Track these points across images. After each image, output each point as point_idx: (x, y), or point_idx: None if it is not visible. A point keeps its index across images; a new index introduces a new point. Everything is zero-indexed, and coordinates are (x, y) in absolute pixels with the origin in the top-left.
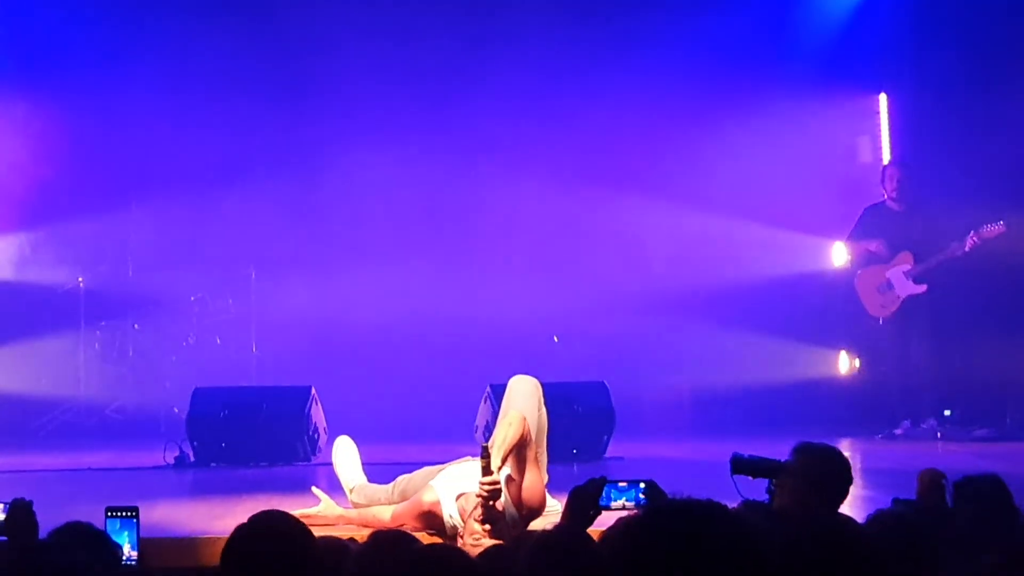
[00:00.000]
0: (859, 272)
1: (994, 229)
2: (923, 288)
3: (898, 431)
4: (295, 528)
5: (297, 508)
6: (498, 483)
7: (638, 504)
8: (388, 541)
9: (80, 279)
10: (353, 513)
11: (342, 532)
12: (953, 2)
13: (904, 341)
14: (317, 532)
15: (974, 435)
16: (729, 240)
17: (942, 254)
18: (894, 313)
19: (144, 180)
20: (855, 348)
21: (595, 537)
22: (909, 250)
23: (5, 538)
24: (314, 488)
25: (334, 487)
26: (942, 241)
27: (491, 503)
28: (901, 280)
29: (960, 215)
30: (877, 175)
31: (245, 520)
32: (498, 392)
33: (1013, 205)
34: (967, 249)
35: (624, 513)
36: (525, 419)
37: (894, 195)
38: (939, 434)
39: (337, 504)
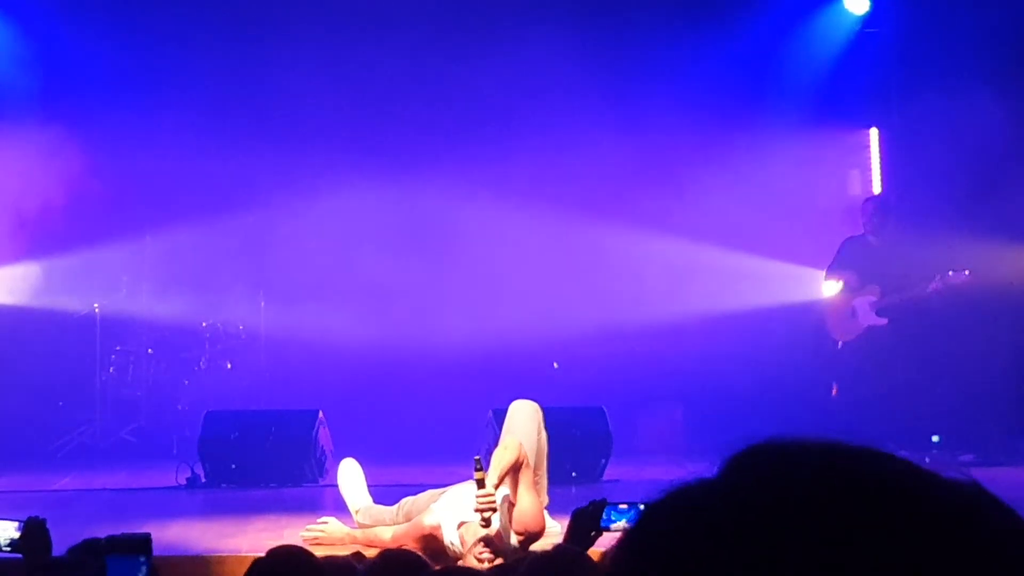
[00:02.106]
0: (833, 301)
1: (959, 277)
2: (884, 321)
3: None
4: (309, 563)
5: (304, 529)
6: (492, 496)
7: None
8: (397, 561)
9: (96, 305)
10: (359, 533)
11: (348, 551)
12: (941, 39)
13: (862, 367)
14: (324, 551)
15: (960, 460)
16: (723, 269)
17: (907, 291)
18: (855, 340)
19: (158, 208)
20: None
21: (595, 558)
22: (879, 283)
23: (20, 556)
24: (321, 519)
25: (341, 508)
26: (913, 276)
27: (492, 541)
28: (865, 310)
29: (937, 251)
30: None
31: (254, 539)
32: (500, 417)
33: (995, 234)
34: (930, 292)
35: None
36: (521, 445)
37: (869, 228)
38: (927, 459)
39: (344, 524)
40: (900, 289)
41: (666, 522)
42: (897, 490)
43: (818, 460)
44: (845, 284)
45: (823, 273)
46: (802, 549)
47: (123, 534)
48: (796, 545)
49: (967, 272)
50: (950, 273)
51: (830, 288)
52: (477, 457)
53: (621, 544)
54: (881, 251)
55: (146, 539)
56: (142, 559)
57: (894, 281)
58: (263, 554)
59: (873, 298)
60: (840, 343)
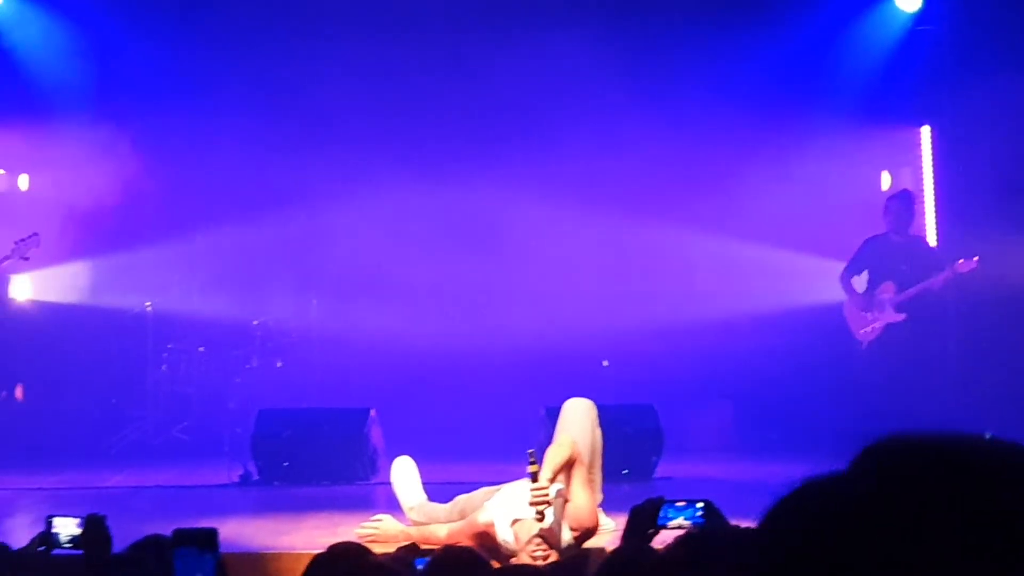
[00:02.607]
0: (846, 299)
1: (968, 264)
2: (902, 317)
3: None
4: (368, 558)
5: (358, 526)
6: (546, 489)
7: (695, 523)
8: (456, 558)
9: (148, 303)
10: (413, 530)
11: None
12: (994, 36)
13: (889, 364)
14: (379, 548)
15: None
16: (773, 267)
17: (921, 285)
18: (877, 338)
19: (209, 207)
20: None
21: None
22: (895, 279)
23: (80, 552)
24: (375, 517)
25: (393, 506)
26: (928, 269)
27: (546, 537)
28: (883, 307)
29: (956, 246)
30: (915, 207)
31: (307, 536)
32: (552, 414)
33: None
34: (940, 283)
35: (680, 532)
36: (575, 442)
37: (892, 226)
38: None
39: (399, 522)
40: (914, 283)
41: (798, 518)
42: None
43: (948, 454)
44: (852, 285)
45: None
46: (938, 544)
47: (189, 528)
48: (932, 540)
49: (976, 258)
50: (960, 262)
51: (850, 286)
52: (531, 451)
53: (753, 539)
54: (902, 248)
55: (212, 533)
56: (209, 554)
57: (910, 278)
58: (320, 551)
59: (889, 295)
60: (864, 344)
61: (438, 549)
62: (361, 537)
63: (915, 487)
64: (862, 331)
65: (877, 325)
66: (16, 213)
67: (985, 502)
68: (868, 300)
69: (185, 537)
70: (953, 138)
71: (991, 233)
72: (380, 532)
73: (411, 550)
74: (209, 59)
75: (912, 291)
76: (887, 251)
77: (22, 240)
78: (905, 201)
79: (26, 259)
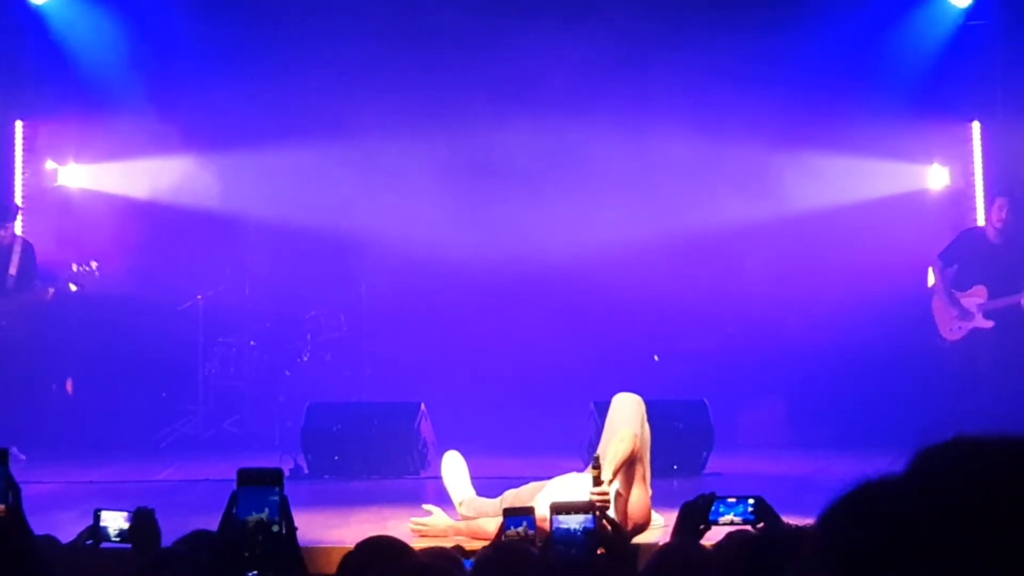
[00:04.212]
0: (937, 294)
1: None
2: (990, 324)
3: None
4: (404, 552)
5: (408, 520)
6: (607, 494)
7: (746, 519)
8: (509, 552)
9: (199, 296)
10: (462, 525)
11: (451, 542)
12: None
13: (969, 364)
14: (427, 543)
15: None
16: (825, 263)
17: (1011, 298)
18: (962, 339)
19: (259, 201)
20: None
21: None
22: (987, 283)
23: (129, 545)
24: (425, 506)
25: (443, 500)
26: (1018, 282)
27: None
28: (972, 311)
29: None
30: (965, 203)
31: (357, 530)
32: (601, 409)
33: None
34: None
35: (732, 528)
36: (636, 436)
37: (999, 225)
38: None
39: (448, 516)
40: (1004, 292)
41: (855, 519)
42: None
43: (1005, 457)
44: (941, 276)
45: (926, 267)
46: (995, 547)
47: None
48: (988, 543)
49: None
50: None
51: (931, 276)
52: (597, 455)
53: (809, 539)
54: (999, 250)
55: (278, 471)
56: (275, 490)
57: (1003, 282)
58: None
59: (980, 299)
60: (948, 341)
61: (486, 547)
62: (413, 531)
63: (970, 489)
64: (949, 330)
65: (965, 326)
66: (66, 205)
67: None
68: (959, 302)
69: (250, 476)
70: (1003, 134)
71: None
72: (430, 526)
73: (459, 551)
74: (265, 58)
75: (1002, 302)
76: (983, 249)
77: (81, 268)
78: (1015, 203)
79: (81, 286)
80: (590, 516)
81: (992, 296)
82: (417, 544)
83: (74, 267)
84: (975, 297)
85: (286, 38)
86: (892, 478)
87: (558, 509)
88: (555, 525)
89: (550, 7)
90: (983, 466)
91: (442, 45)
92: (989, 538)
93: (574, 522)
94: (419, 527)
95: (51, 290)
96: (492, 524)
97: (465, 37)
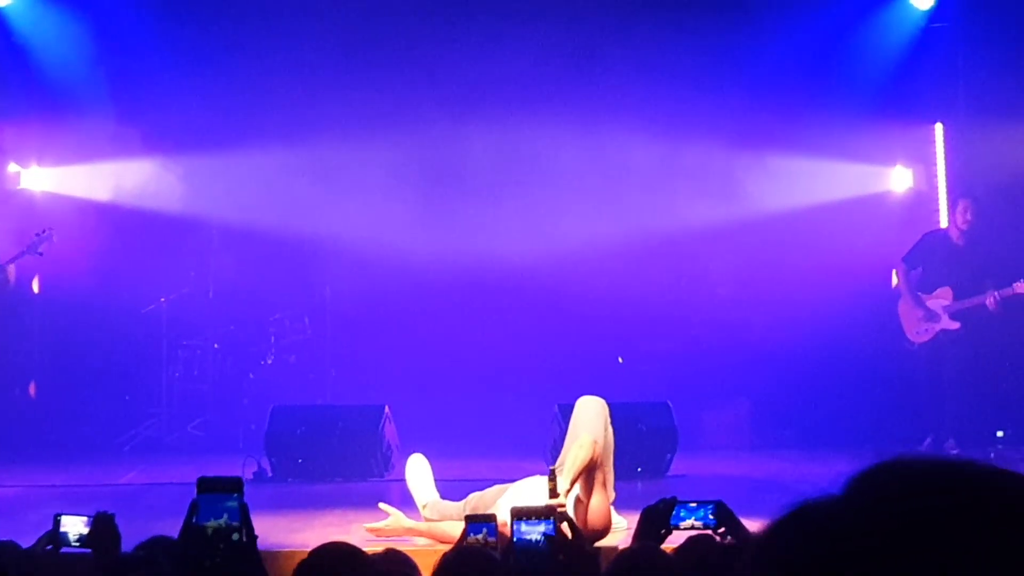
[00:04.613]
0: (903, 297)
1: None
2: (956, 325)
3: (919, 449)
4: (358, 559)
5: (369, 523)
6: (564, 506)
7: (707, 524)
8: (473, 555)
9: (163, 299)
10: (423, 526)
11: (411, 548)
12: (1007, 33)
13: (937, 366)
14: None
15: None
16: (787, 265)
17: (977, 298)
18: (929, 341)
19: (223, 204)
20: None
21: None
22: (952, 284)
23: (89, 551)
24: (381, 504)
25: (407, 503)
26: (984, 283)
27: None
28: (938, 312)
29: (1015, 254)
30: (927, 204)
31: (321, 533)
32: (565, 411)
33: None
34: (995, 301)
35: (693, 533)
36: (596, 442)
37: (964, 227)
38: (992, 454)
39: (408, 518)
40: (969, 293)
41: (793, 541)
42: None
43: (943, 481)
44: (906, 279)
45: (899, 266)
46: (928, 570)
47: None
48: (922, 566)
49: None
50: (1019, 283)
51: (895, 279)
52: (553, 468)
53: (749, 562)
54: (963, 252)
55: (238, 479)
56: (235, 497)
57: (967, 284)
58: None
59: (946, 301)
60: (915, 344)
61: (448, 552)
62: (370, 531)
63: (907, 513)
64: (915, 332)
65: (932, 328)
66: (29, 208)
67: (977, 529)
68: (925, 304)
69: (209, 484)
70: (966, 135)
71: (1002, 231)
72: (387, 529)
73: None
74: (228, 62)
75: (967, 303)
76: (946, 251)
77: (37, 235)
78: (977, 204)
79: (40, 254)
80: (550, 521)
81: (957, 297)
82: (375, 546)
83: (30, 240)
84: (940, 299)
85: (248, 42)
86: (831, 499)
87: (519, 514)
88: (516, 534)
89: (507, 10)
90: (919, 490)
91: (401, 50)
92: (921, 563)
93: (535, 532)
94: (376, 528)
95: (11, 268)
96: (453, 528)
97: (423, 42)
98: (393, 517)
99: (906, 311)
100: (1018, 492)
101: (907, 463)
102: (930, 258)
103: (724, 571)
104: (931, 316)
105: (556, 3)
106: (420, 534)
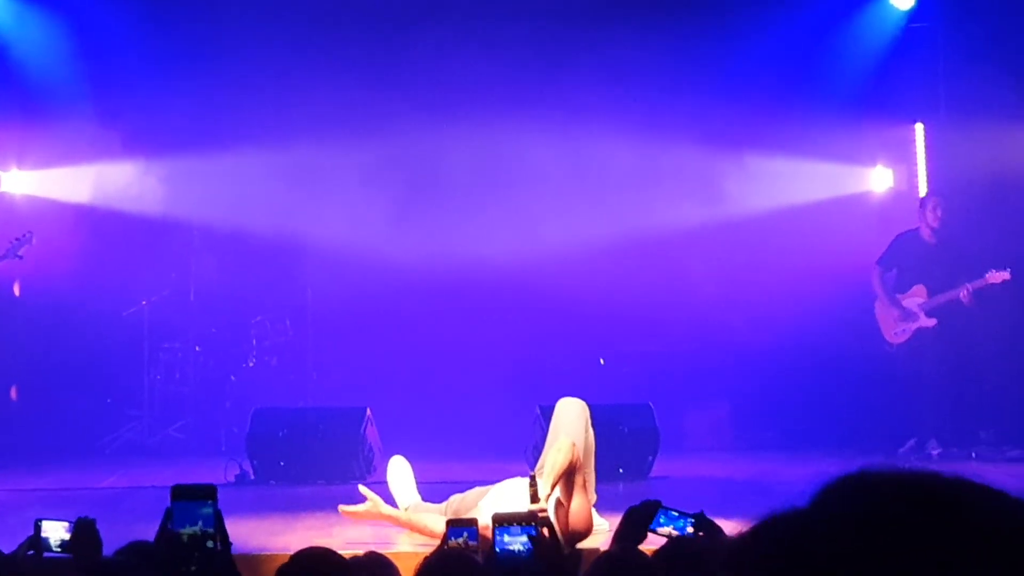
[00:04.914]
0: (879, 299)
1: (999, 275)
2: (933, 322)
3: (901, 450)
4: (337, 564)
5: (347, 508)
6: (546, 511)
7: (682, 535)
8: (454, 559)
9: (144, 302)
10: (402, 515)
11: (393, 551)
12: (988, 33)
13: (917, 366)
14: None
15: (1008, 456)
16: (768, 267)
17: (951, 292)
18: (907, 341)
19: (205, 206)
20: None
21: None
22: (926, 282)
23: (70, 555)
24: (361, 487)
25: (389, 505)
26: (959, 277)
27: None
28: (914, 311)
29: (990, 250)
30: (908, 204)
31: (303, 536)
32: (547, 413)
33: None
34: (968, 293)
35: (668, 539)
36: (575, 445)
37: (935, 225)
38: (973, 455)
39: (385, 505)
40: (944, 290)
41: (758, 557)
42: (991, 524)
43: (909, 493)
44: (881, 282)
45: (873, 269)
46: None
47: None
48: None
49: (1008, 270)
50: (991, 272)
51: (883, 284)
52: (533, 474)
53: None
54: (935, 250)
55: (211, 487)
56: (208, 503)
57: (942, 281)
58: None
59: (920, 299)
60: (894, 345)
61: (430, 555)
62: (345, 514)
63: (869, 527)
64: (893, 333)
65: (909, 327)
66: (9, 212)
67: (938, 542)
68: (900, 304)
69: (184, 491)
70: (946, 135)
71: (983, 230)
72: (365, 512)
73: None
74: (206, 61)
75: (942, 297)
76: (919, 250)
77: (17, 239)
78: (945, 202)
79: (20, 258)
80: (532, 529)
81: (932, 294)
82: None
83: (9, 243)
84: (915, 297)
85: (227, 44)
86: (795, 513)
87: (500, 520)
88: (498, 544)
89: (486, 12)
90: (881, 505)
91: (380, 53)
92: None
93: (516, 542)
94: (352, 513)
95: None
96: (432, 521)
97: (403, 44)
98: (371, 502)
99: (883, 313)
100: (977, 506)
101: (871, 476)
102: (904, 258)
103: (705, 574)
104: (907, 315)
105: (537, 5)
106: (398, 522)
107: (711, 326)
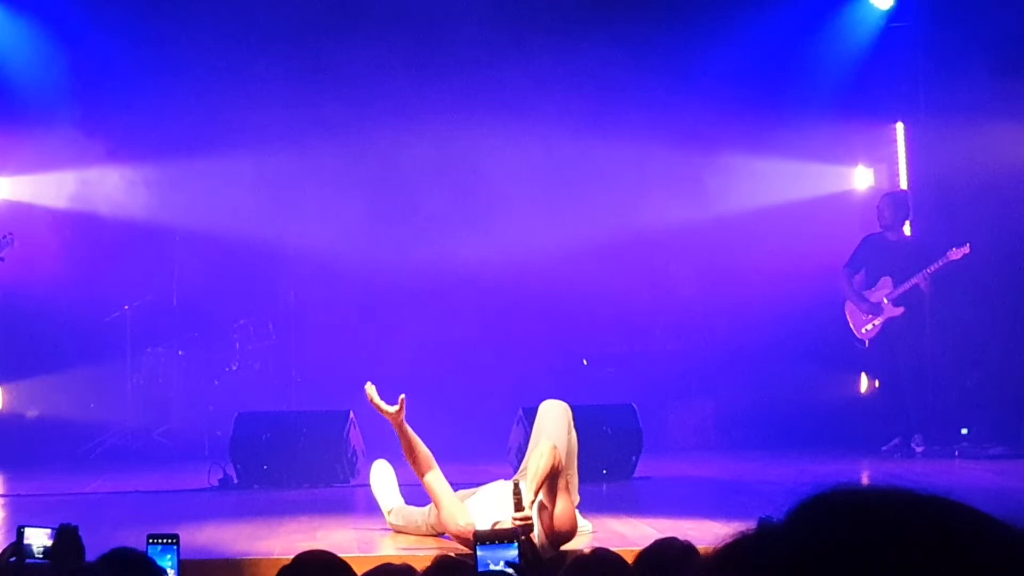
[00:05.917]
0: (848, 300)
1: (959, 252)
2: (900, 310)
3: (885, 448)
4: (339, 567)
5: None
6: (530, 518)
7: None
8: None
9: (127, 306)
10: (432, 518)
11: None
12: (967, 32)
13: (892, 359)
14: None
15: (990, 453)
16: (751, 267)
17: (913, 279)
18: (878, 335)
19: (186, 211)
20: (863, 370)
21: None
22: (894, 275)
23: (51, 563)
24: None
25: (373, 508)
26: (922, 263)
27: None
28: (881, 303)
29: (954, 241)
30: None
31: (287, 540)
32: (530, 414)
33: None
34: (928, 275)
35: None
36: (556, 448)
37: (886, 224)
38: (957, 452)
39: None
40: (908, 277)
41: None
42: (963, 542)
43: (883, 511)
44: (849, 284)
45: (842, 273)
46: None
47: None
48: None
49: (967, 245)
50: (952, 250)
51: (851, 284)
52: (516, 481)
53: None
54: (898, 246)
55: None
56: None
57: (907, 273)
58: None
59: (887, 290)
60: (867, 342)
61: (429, 567)
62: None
63: (840, 548)
64: (863, 330)
65: (877, 323)
66: None
67: (907, 563)
68: (867, 299)
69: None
70: (927, 134)
71: (965, 229)
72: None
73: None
74: (192, 65)
75: (907, 285)
76: (884, 249)
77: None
78: (899, 200)
79: (1, 259)
80: (514, 545)
81: (896, 285)
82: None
83: None
84: (882, 290)
85: (210, 50)
86: (769, 530)
87: (482, 539)
88: (480, 563)
89: (464, 14)
90: (853, 525)
91: (355, 59)
92: None
93: (499, 560)
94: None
95: None
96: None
97: (379, 51)
98: (400, 408)
99: (852, 311)
100: (946, 524)
101: (844, 497)
102: (871, 258)
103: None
104: (874, 308)
105: (517, 5)
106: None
107: (694, 326)
